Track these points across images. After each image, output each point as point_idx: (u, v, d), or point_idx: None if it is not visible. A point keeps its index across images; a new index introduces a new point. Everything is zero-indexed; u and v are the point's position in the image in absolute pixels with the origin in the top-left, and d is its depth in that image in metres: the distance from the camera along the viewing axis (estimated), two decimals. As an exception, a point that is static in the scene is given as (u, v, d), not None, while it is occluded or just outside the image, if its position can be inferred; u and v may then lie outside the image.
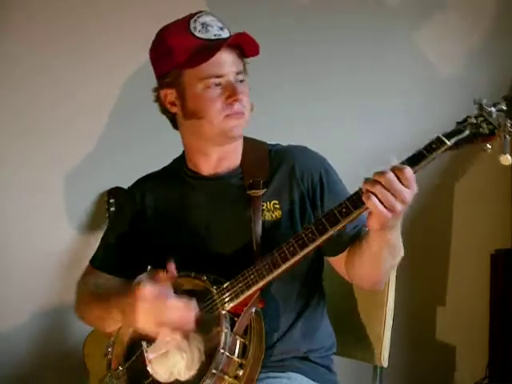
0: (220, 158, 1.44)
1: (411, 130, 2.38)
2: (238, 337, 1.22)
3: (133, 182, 1.57)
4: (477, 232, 2.45)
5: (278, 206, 1.40)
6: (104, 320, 1.37)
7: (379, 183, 1.12)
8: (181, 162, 1.52)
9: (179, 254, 1.36)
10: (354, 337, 1.58)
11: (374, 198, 1.12)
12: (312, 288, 1.45)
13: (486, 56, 2.39)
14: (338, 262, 1.39)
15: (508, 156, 1.18)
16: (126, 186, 1.60)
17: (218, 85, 1.36)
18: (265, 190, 1.41)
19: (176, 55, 1.37)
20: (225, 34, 1.39)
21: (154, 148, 2.10)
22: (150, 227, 1.48)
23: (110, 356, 1.35)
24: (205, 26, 1.38)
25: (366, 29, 2.35)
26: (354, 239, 1.33)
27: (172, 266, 1.28)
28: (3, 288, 2.25)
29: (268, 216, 1.39)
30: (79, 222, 2.21)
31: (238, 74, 1.38)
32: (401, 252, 1.28)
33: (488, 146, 1.20)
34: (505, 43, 2.40)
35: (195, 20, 1.39)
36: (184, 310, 1.21)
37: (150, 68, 1.44)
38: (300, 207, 1.40)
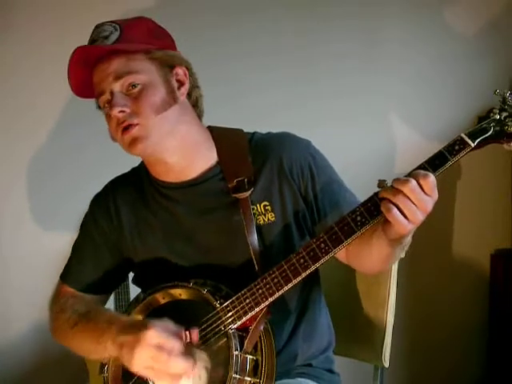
0: (179, 165, 1.32)
1: (409, 131, 2.39)
2: (247, 355, 1.16)
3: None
4: (477, 232, 2.45)
5: (269, 208, 1.30)
6: (95, 353, 1.26)
7: (400, 192, 1.03)
8: (144, 168, 1.40)
9: (168, 269, 1.31)
10: (354, 337, 1.57)
11: (395, 210, 1.03)
12: (311, 284, 1.39)
13: (484, 55, 2.39)
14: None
15: None
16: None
17: (107, 102, 1.27)
18: (251, 189, 1.29)
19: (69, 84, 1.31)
20: (108, 42, 1.26)
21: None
22: (130, 243, 1.37)
23: (106, 374, 1.27)
24: (92, 42, 1.29)
25: (363, 30, 2.34)
26: None
27: (195, 337, 1.17)
28: (4, 289, 2.25)
29: (261, 220, 1.30)
30: (79, 222, 2.21)
31: (118, 78, 1.25)
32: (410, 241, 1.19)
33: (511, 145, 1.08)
34: (503, 42, 2.40)
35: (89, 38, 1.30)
36: (186, 371, 1.12)
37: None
38: (292, 205, 1.31)
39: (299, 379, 1.34)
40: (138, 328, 1.14)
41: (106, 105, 1.27)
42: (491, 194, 2.44)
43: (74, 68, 1.27)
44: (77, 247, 1.44)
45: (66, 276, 1.43)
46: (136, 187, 1.40)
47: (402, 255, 1.25)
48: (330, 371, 1.43)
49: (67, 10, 2.18)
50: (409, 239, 1.15)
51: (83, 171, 2.24)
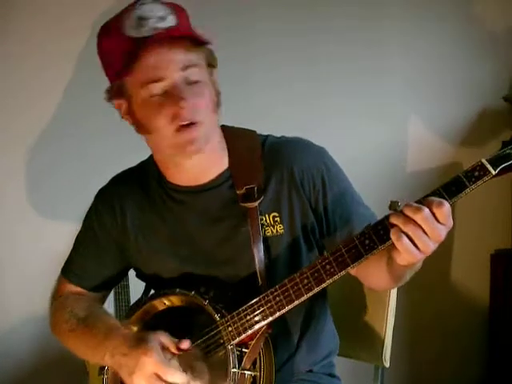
0: (197, 168, 1.26)
1: (409, 131, 2.39)
2: (246, 371, 1.15)
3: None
4: (477, 232, 2.45)
5: (278, 220, 1.25)
6: (92, 359, 1.25)
7: (412, 221, 0.97)
8: (154, 167, 1.33)
9: (171, 273, 1.29)
10: (355, 337, 1.57)
11: (405, 240, 0.98)
12: (317, 295, 1.27)
13: (484, 55, 2.39)
14: None
15: None
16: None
17: (162, 91, 1.16)
18: (261, 198, 1.24)
19: (111, 62, 1.19)
20: (166, 24, 1.16)
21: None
22: (134, 243, 1.34)
23: (105, 376, 1.27)
24: (140, 19, 1.16)
25: (364, 29, 2.34)
26: None
27: (187, 344, 1.16)
28: (3, 289, 2.25)
29: (269, 231, 1.24)
30: (79, 220, 2.21)
31: (185, 69, 1.16)
32: None
33: None
34: (504, 43, 2.40)
35: (129, 15, 1.17)
36: None
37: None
38: (301, 218, 1.26)
39: None
40: (137, 352, 1.13)
41: (155, 92, 1.16)
42: (491, 194, 2.44)
43: (130, 42, 1.14)
44: (79, 242, 1.41)
45: (66, 271, 1.40)
46: (143, 186, 1.35)
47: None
48: (331, 375, 1.41)
49: (67, 9, 2.18)
50: (419, 264, 1.10)
51: (84, 170, 2.24)
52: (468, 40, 2.40)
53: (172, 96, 1.15)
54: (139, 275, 1.42)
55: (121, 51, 1.16)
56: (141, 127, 1.23)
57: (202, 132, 1.18)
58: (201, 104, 1.18)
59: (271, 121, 2.17)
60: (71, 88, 2.20)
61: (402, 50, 2.37)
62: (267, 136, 1.33)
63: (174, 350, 1.16)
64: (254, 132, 1.34)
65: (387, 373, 1.57)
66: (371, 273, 1.20)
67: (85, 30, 2.16)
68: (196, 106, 1.17)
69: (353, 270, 1.21)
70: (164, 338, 1.16)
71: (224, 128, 1.33)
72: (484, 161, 0.98)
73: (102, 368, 1.28)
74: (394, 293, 1.52)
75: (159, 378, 1.11)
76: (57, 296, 1.40)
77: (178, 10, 1.21)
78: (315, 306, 1.35)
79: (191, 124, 1.17)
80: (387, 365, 1.53)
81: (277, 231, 1.25)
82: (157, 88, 1.16)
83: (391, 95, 2.38)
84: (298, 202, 1.26)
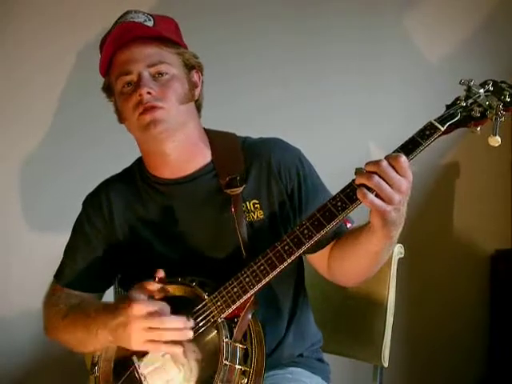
0: (180, 159, 1.37)
1: (409, 130, 2.38)
2: (237, 344, 1.18)
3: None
4: (477, 232, 2.45)
5: (258, 206, 1.35)
6: (87, 342, 1.29)
7: (374, 174, 1.07)
8: (138, 166, 1.45)
9: (159, 264, 1.31)
10: (354, 337, 1.58)
11: (370, 195, 1.06)
12: (298, 288, 1.43)
13: (484, 55, 2.39)
14: (317, 260, 1.34)
15: (497, 137, 1.14)
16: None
17: (130, 83, 1.31)
18: (243, 186, 1.34)
19: (102, 63, 1.35)
20: (141, 20, 1.33)
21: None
22: (122, 239, 1.41)
23: (97, 374, 1.28)
24: (121, 17, 1.36)
25: (363, 28, 2.35)
26: (335, 235, 1.29)
27: (161, 274, 1.23)
28: (4, 288, 2.25)
29: (250, 217, 1.34)
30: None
31: (154, 65, 1.31)
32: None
33: (478, 129, 1.17)
34: (504, 42, 2.40)
35: (116, 22, 1.36)
36: (182, 329, 1.17)
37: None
38: (279, 205, 1.35)
39: (291, 368, 1.38)
40: (123, 307, 1.18)
41: (126, 85, 1.32)
42: (491, 194, 2.44)
43: (111, 42, 1.30)
44: (71, 247, 1.46)
45: (59, 277, 1.46)
46: (129, 185, 1.44)
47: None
48: (320, 360, 1.47)
49: (68, 10, 2.18)
50: (397, 233, 1.15)
51: (86, 169, 2.24)
52: (468, 39, 2.40)
53: (137, 86, 1.30)
54: (124, 279, 1.46)
55: (105, 52, 1.32)
56: (119, 116, 1.39)
57: (165, 116, 1.30)
58: (166, 94, 1.31)
59: (270, 120, 2.19)
60: (72, 90, 2.20)
61: (398, 48, 2.37)
62: (246, 137, 1.44)
63: (154, 287, 1.21)
64: (234, 134, 1.45)
65: (386, 372, 1.58)
66: (347, 260, 1.26)
67: (85, 30, 2.17)
68: (161, 95, 1.30)
69: (327, 270, 1.32)
70: (141, 285, 1.22)
71: (206, 129, 1.44)
72: (433, 121, 1.16)
73: (93, 366, 1.30)
74: (393, 293, 1.52)
75: (151, 315, 1.15)
76: (49, 297, 1.45)
77: (159, 17, 1.37)
78: (298, 298, 1.43)
79: (153, 108, 1.29)
80: (386, 364, 1.54)
81: (257, 216, 1.34)
82: (127, 80, 1.31)
83: (391, 94, 2.37)
84: (276, 190, 1.35)
